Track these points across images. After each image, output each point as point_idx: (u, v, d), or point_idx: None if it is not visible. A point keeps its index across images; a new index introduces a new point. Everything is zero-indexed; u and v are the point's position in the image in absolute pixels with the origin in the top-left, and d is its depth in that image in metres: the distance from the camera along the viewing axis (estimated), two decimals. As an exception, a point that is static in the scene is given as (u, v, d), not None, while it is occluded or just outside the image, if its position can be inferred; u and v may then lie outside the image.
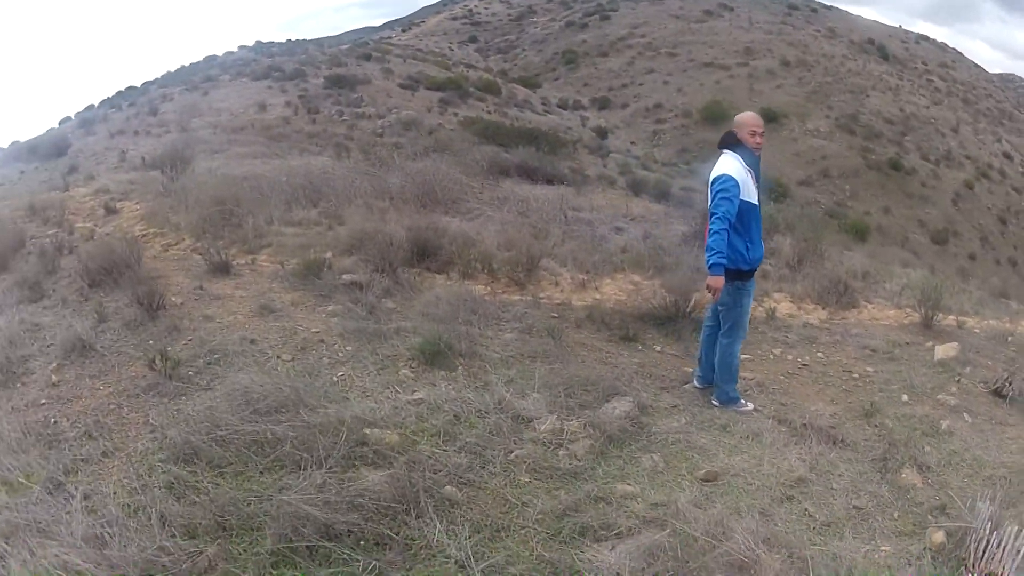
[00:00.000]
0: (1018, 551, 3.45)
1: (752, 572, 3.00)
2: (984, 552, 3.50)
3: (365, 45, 52.30)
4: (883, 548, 3.62)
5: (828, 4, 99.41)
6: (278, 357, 4.98)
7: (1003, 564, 3.43)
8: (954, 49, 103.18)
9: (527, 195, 11.32)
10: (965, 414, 5.70)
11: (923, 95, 65.28)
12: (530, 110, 38.60)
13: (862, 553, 3.50)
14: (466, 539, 3.16)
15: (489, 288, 6.91)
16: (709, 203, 4.63)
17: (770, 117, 49.28)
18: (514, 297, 6.77)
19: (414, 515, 3.26)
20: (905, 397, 5.93)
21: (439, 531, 3.17)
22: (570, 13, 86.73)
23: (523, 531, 3.35)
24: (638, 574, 2.94)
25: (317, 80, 32.77)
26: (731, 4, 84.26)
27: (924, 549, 3.59)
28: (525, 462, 3.84)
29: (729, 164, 4.55)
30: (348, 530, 3.11)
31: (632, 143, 47.83)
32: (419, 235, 7.09)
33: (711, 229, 4.38)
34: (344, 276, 6.52)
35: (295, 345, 5.18)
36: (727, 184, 4.38)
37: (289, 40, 69.52)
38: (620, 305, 6.96)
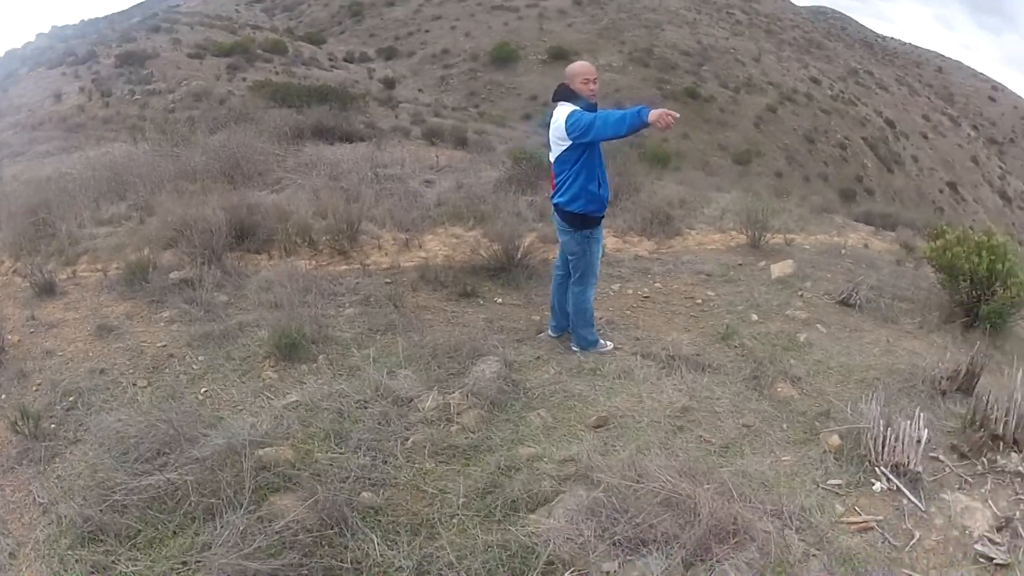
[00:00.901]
0: (919, 440, 4.76)
1: (689, 505, 3.89)
2: (884, 446, 4.78)
3: (154, 16, 59.96)
4: (784, 459, 4.77)
5: None
6: (134, 384, 5.74)
7: (907, 454, 4.71)
8: None
9: (330, 157, 13.21)
10: (818, 325, 7.29)
11: (723, 27, 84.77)
12: (317, 67, 46.60)
13: (767, 466, 4.60)
14: (407, 545, 3.88)
15: (314, 262, 8.22)
16: (562, 148, 5.89)
17: (559, 55, 61.65)
18: (341, 267, 8.15)
19: (348, 535, 3.92)
20: (755, 316, 7.48)
21: (378, 545, 3.86)
22: None
23: (456, 520, 4.12)
24: (598, 534, 3.78)
25: (108, 60, 39.01)
26: None
27: (823, 453, 4.82)
28: (424, 447, 4.75)
29: (569, 109, 5.77)
30: (294, 573, 3.68)
31: (420, 91, 56.94)
32: (235, 216, 8.37)
33: (603, 127, 5.50)
34: (172, 275, 7.53)
35: (146, 366, 5.98)
36: (578, 115, 5.64)
37: (82, 21, 78.11)
38: (449, 261, 8.47)
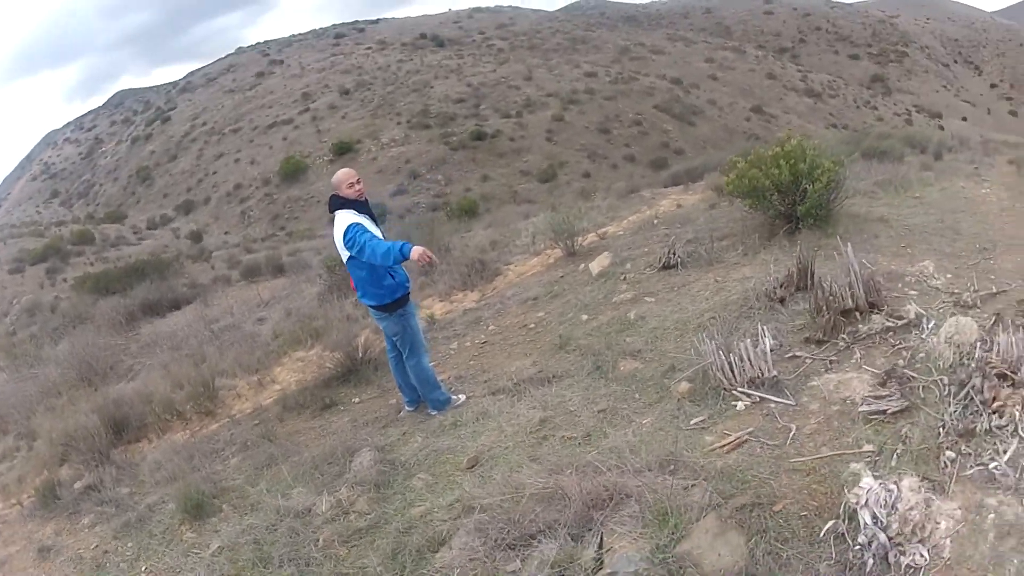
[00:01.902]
0: (765, 352, 5.69)
1: (560, 493, 4.75)
2: (733, 371, 5.71)
3: None
4: (644, 422, 5.61)
5: (375, 19, 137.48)
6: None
7: (758, 367, 5.65)
8: (510, 6, 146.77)
9: (166, 329, 14.55)
10: (647, 298, 8.30)
11: (487, 62, 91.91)
12: (126, 244, 49.42)
13: (630, 434, 5.42)
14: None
15: (188, 431, 9.17)
16: (347, 256, 6.95)
17: (344, 149, 66.58)
18: (213, 426, 9.07)
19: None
20: (584, 316, 8.49)
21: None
22: (133, 128, 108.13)
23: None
24: (492, 547, 4.60)
25: (-68, 298, 38.21)
26: (280, 57, 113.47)
27: (678, 402, 5.72)
28: (333, 540, 5.59)
29: (347, 217, 6.88)
30: None
31: (226, 233, 60.06)
32: (105, 414, 9.23)
33: (373, 252, 6.57)
34: (76, 485, 8.36)
35: (90, 568, 6.80)
36: (355, 229, 6.72)
37: None
38: (302, 383, 9.50)
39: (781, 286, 7.39)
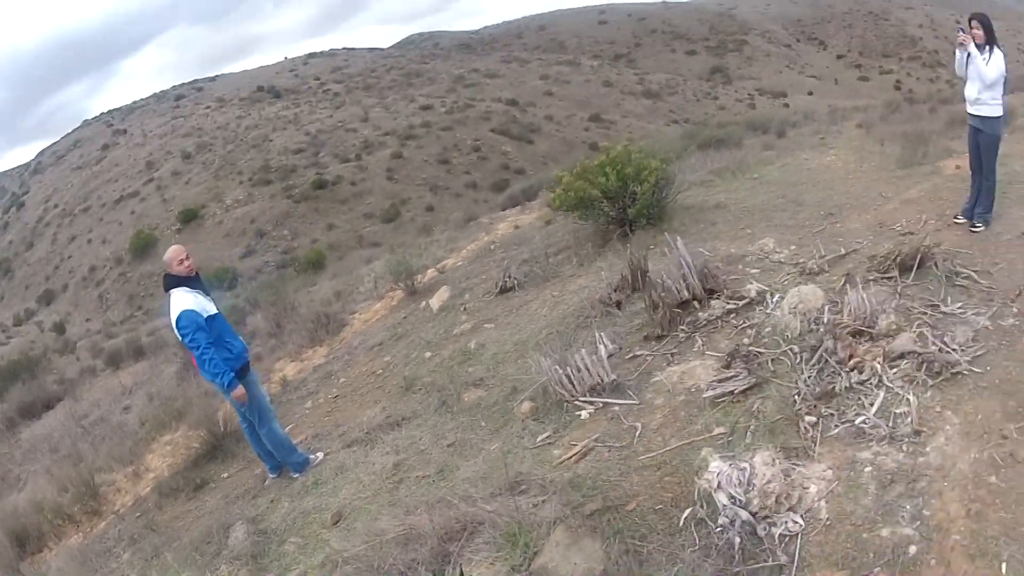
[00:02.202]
0: (602, 359, 6.04)
1: (422, 533, 4.89)
2: (572, 382, 6.01)
3: None
4: (492, 448, 5.86)
5: (213, 76, 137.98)
6: None
7: (597, 373, 5.98)
8: (345, 48, 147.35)
9: (42, 431, 14.62)
10: (486, 325, 8.57)
11: (324, 108, 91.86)
12: None
13: (480, 463, 5.67)
14: None
15: (81, 534, 8.96)
16: (183, 340, 7.05)
17: (190, 216, 65.38)
18: (101, 526, 8.92)
19: None
20: (428, 353, 8.68)
21: None
22: None
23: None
24: None
25: None
26: (123, 126, 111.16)
27: (523, 421, 5.99)
28: None
29: (180, 300, 7.04)
30: None
31: (88, 320, 59.27)
32: (5, 527, 9.26)
33: (201, 359, 6.89)
34: None
35: None
36: (186, 320, 6.92)
37: None
38: (174, 467, 9.45)
39: (615, 290, 7.77)
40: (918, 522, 4.16)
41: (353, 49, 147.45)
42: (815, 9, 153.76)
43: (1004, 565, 3.88)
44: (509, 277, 9.63)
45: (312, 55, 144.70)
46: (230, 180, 75.12)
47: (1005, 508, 4.16)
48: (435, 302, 10.25)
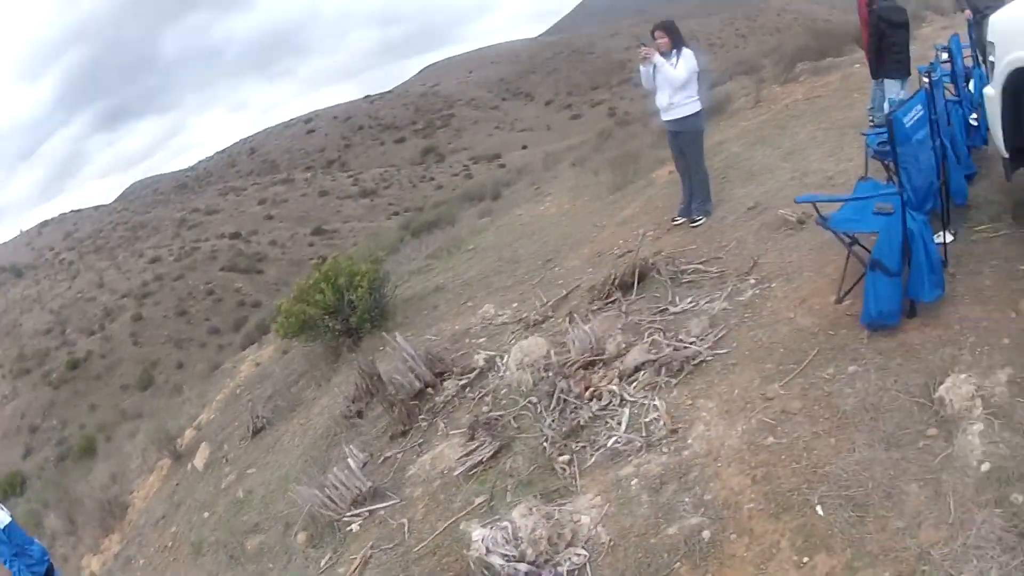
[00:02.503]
0: (354, 470, 6.38)
1: None
2: (335, 501, 6.30)
3: None
4: None
5: None
6: None
7: (354, 485, 6.30)
8: (72, 211, 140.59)
9: None
10: (248, 471, 8.77)
11: (62, 280, 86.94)
12: None
13: None
14: None
15: None
16: None
17: None
18: None
19: None
20: (206, 514, 8.70)
21: None
22: None
23: None
24: None
25: None
26: None
27: (303, 551, 6.28)
28: None
29: None
30: None
31: None
32: None
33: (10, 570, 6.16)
34: None
35: None
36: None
37: None
38: None
39: (353, 401, 8.17)
40: (702, 508, 4.48)
41: (80, 210, 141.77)
42: (516, 65, 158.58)
43: (819, 508, 4.13)
44: (258, 417, 9.81)
45: (44, 223, 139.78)
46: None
47: (795, 459, 4.49)
48: (199, 461, 10.34)
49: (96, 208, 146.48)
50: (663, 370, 5.88)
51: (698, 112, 8.82)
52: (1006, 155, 5.54)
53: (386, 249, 15.93)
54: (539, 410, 6.15)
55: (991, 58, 5.45)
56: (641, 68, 8.76)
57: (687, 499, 4.55)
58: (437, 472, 6.24)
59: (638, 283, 7.44)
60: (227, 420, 11.42)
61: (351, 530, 6.24)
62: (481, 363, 7.56)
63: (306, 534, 6.59)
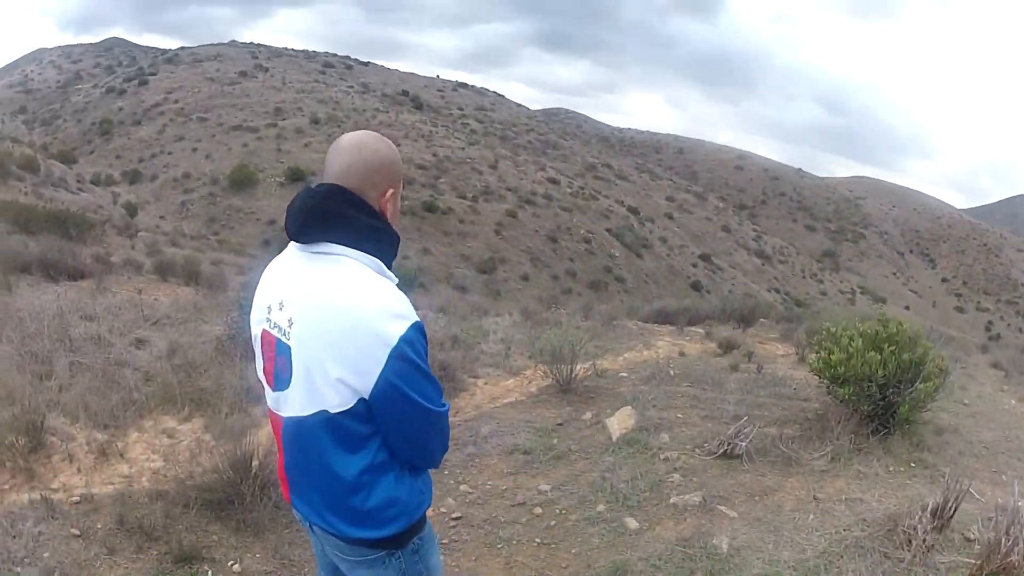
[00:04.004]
0: None
1: None
2: None
3: None
4: None
5: (365, 60, 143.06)
6: None
7: None
8: (495, 92, 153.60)
9: (36, 305, 10.89)
10: (721, 507, 5.48)
11: (458, 138, 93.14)
12: (65, 189, 46.67)
13: None
14: None
15: None
16: (328, 396, 2.62)
17: (297, 176, 65.31)
18: (23, 497, 5.87)
19: None
20: (631, 521, 5.42)
21: None
22: (112, 78, 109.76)
23: None
24: None
25: None
26: (267, 65, 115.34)
27: None
28: None
29: (393, 302, 3.42)
30: None
31: (161, 217, 57.64)
32: None
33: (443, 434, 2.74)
34: None
35: None
36: (419, 362, 3.00)
37: None
38: (158, 480, 6.24)
39: (931, 528, 4.93)
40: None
41: (502, 97, 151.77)
42: (935, 224, 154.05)
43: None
44: (738, 439, 6.45)
45: (463, 85, 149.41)
46: (345, 187, 76.85)
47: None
48: (615, 425, 7.09)
49: (518, 105, 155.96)
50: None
51: None
52: None
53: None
54: None
55: None
56: None
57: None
58: None
59: None
60: (657, 397, 8.24)
61: None
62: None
63: None
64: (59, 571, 5.08)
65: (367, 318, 2.40)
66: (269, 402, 2.72)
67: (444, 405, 2.61)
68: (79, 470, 6.48)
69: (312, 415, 2.51)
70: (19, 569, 5.09)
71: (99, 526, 5.58)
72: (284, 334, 2.52)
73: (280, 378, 2.58)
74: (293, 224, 2.55)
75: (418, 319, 2.57)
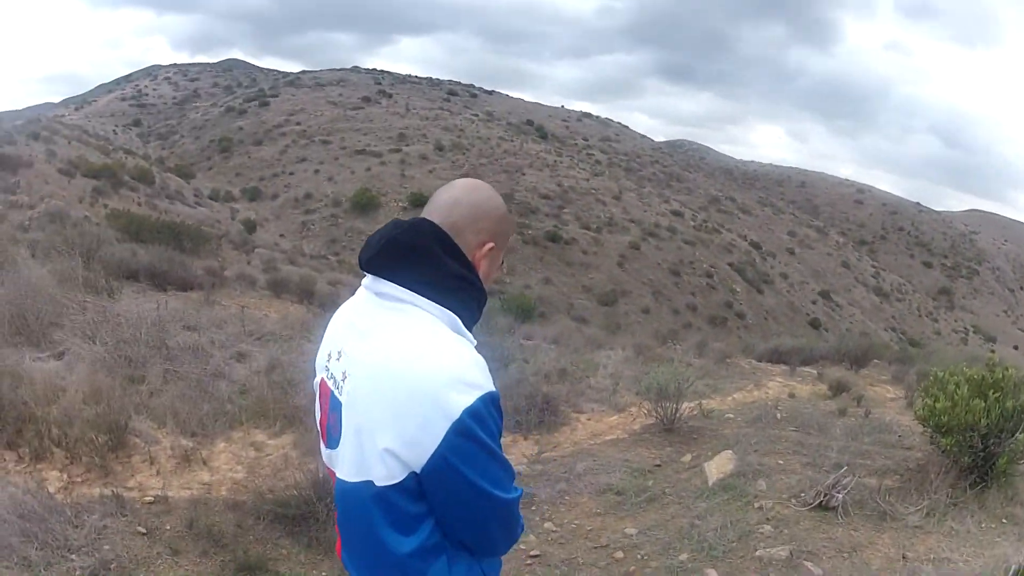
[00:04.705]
0: None
1: None
2: None
3: (38, 122, 61.91)
4: None
5: (489, 89, 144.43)
6: None
7: None
8: (619, 123, 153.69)
9: (135, 311, 10.82)
10: (807, 563, 5.23)
11: (583, 168, 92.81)
12: (181, 202, 48.05)
13: None
14: None
15: (66, 475, 6.15)
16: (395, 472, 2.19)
17: (420, 202, 64.45)
18: (94, 491, 5.99)
19: None
20: (713, 573, 5.23)
21: None
22: (232, 98, 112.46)
23: None
24: None
25: (-18, 160, 38.33)
26: (390, 91, 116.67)
27: None
28: None
29: (468, 370, 2.74)
30: None
31: (281, 236, 59.09)
32: None
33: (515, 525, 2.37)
34: None
35: None
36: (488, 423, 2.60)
37: (-28, 111, 78.31)
38: (238, 492, 6.28)
39: None
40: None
41: (626, 128, 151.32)
42: None
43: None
44: (835, 490, 6.21)
45: (587, 115, 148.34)
46: (471, 191, 77.17)
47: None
48: (712, 469, 6.93)
49: (642, 136, 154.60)
50: None
51: None
52: None
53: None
54: None
55: None
56: None
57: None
58: None
59: None
60: (759, 441, 7.99)
61: None
62: None
63: None
64: (116, 564, 5.15)
65: (428, 384, 2.01)
66: (324, 457, 2.44)
67: (514, 491, 2.23)
68: (158, 472, 6.60)
69: (360, 483, 2.17)
70: (74, 556, 5.12)
71: (167, 527, 5.68)
72: (338, 388, 2.22)
73: (331, 436, 2.28)
74: (368, 252, 2.19)
75: (493, 389, 2.17)
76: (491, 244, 2.25)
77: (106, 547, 5.27)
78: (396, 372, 2.02)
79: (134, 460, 6.66)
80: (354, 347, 2.17)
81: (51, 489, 5.96)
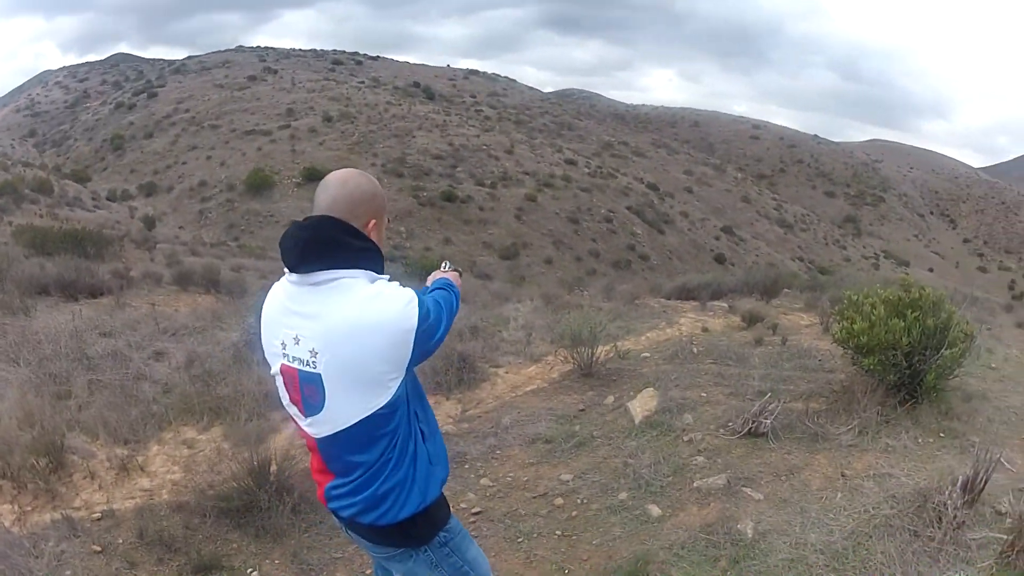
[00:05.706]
0: None
1: None
2: None
3: None
4: None
5: (374, 55, 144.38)
6: None
7: None
8: (506, 77, 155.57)
9: (52, 326, 10.95)
10: (746, 489, 5.33)
11: (473, 125, 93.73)
12: (81, 207, 47.12)
13: None
14: None
15: (16, 506, 6.02)
16: (366, 394, 2.87)
17: (314, 176, 63.83)
18: (45, 517, 5.90)
19: None
20: (654, 508, 5.30)
21: None
22: (120, 94, 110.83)
23: None
24: None
25: None
26: (276, 67, 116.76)
27: None
28: None
29: (392, 290, 3.82)
30: None
31: (180, 228, 58.59)
32: None
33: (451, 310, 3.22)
34: None
35: None
36: (433, 305, 3.81)
37: None
38: (178, 491, 6.26)
39: (961, 503, 4.77)
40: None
41: (514, 81, 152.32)
42: (953, 185, 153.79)
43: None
44: (761, 416, 6.29)
45: (473, 72, 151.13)
46: (363, 158, 75.97)
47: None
48: (637, 408, 6.97)
49: (530, 88, 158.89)
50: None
51: None
52: None
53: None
54: None
55: None
56: None
57: None
58: None
59: None
60: (680, 376, 8.12)
61: None
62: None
63: None
64: (78, 579, 5.01)
65: (387, 314, 2.73)
66: (303, 426, 2.94)
67: (446, 316, 3.08)
68: (100, 487, 6.53)
69: (354, 424, 2.82)
70: (40, 587, 4.93)
71: (120, 541, 5.61)
72: (308, 364, 2.75)
73: (311, 404, 2.82)
74: (292, 257, 2.76)
75: (415, 291, 2.98)
76: (372, 221, 2.92)
77: (68, 573, 5.29)
78: (363, 319, 2.69)
79: (75, 478, 6.63)
80: (311, 328, 2.73)
81: (6, 523, 5.89)
